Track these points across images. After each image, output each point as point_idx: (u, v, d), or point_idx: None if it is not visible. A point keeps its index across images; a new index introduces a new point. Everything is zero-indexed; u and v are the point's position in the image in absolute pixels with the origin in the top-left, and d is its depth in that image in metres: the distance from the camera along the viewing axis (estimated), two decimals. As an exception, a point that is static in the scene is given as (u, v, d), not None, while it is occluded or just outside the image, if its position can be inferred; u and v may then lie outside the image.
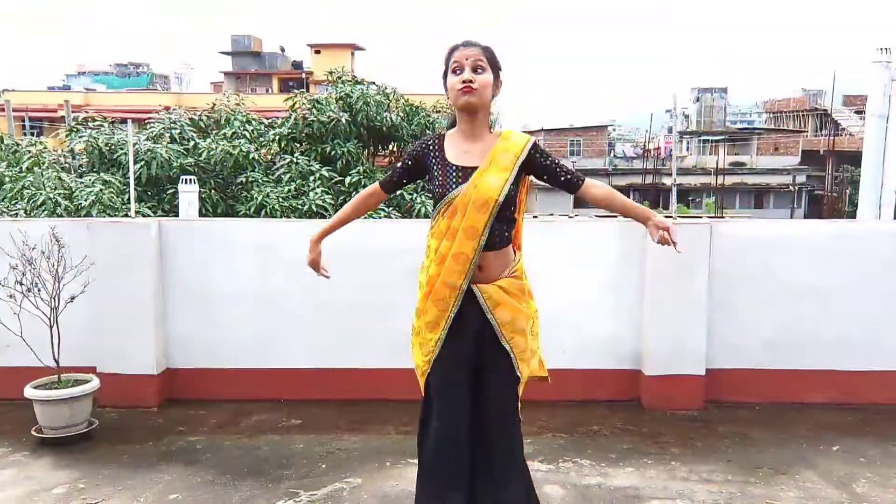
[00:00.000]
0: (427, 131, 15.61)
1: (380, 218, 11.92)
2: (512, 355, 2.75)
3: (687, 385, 4.82)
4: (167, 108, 15.92)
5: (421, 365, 2.82)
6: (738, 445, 4.28)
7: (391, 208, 12.94)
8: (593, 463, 4.00)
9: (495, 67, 2.71)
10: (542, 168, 2.78)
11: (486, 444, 2.77)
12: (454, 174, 2.73)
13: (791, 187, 46.53)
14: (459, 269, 2.68)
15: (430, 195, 2.84)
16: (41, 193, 11.04)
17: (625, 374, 4.98)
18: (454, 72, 2.66)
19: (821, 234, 5.03)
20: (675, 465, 3.99)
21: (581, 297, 4.94)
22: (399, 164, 2.91)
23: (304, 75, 47.53)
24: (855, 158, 30.84)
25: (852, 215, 21.67)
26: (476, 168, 2.71)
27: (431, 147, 2.81)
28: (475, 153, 2.72)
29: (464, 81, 2.62)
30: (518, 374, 2.78)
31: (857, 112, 46.31)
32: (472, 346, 2.76)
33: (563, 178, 2.79)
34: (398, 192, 13.35)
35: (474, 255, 2.67)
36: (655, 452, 4.16)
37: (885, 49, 6.45)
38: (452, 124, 2.84)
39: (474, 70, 2.64)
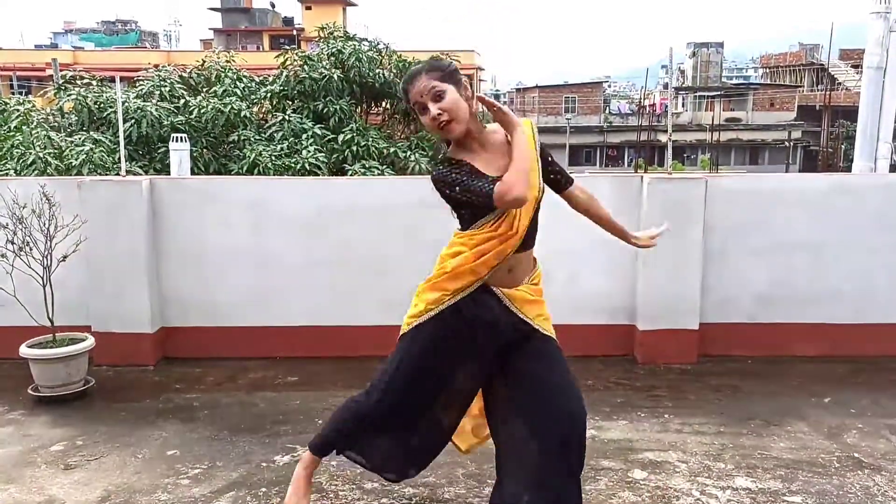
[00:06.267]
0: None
1: (375, 175, 11.86)
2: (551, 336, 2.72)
3: (680, 339, 4.85)
4: (156, 66, 15.66)
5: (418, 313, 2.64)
6: (730, 398, 4.33)
7: (385, 167, 12.87)
8: (588, 417, 4.03)
9: (454, 79, 2.48)
10: (542, 156, 2.68)
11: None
12: (492, 184, 2.45)
13: (786, 143, 46.43)
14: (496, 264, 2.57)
15: (468, 213, 2.58)
16: (31, 153, 10.91)
17: (619, 329, 5.01)
18: (421, 113, 2.49)
19: (815, 188, 5.01)
20: (668, 417, 4.04)
21: (575, 253, 4.93)
22: (451, 200, 2.55)
23: (295, 32, 46.80)
24: (851, 113, 30.66)
25: (847, 171, 21.64)
26: None
27: (451, 174, 2.49)
28: (497, 157, 2.52)
29: (433, 119, 2.44)
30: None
31: (854, 66, 45.93)
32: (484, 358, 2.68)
33: (552, 176, 2.73)
34: (391, 150, 13.28)
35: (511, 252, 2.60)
36: (649, 406, 4.20)
37: (884, -1, 6.35)
38: (447, 143, 2.60)
39: (436, 99, 2.44)
